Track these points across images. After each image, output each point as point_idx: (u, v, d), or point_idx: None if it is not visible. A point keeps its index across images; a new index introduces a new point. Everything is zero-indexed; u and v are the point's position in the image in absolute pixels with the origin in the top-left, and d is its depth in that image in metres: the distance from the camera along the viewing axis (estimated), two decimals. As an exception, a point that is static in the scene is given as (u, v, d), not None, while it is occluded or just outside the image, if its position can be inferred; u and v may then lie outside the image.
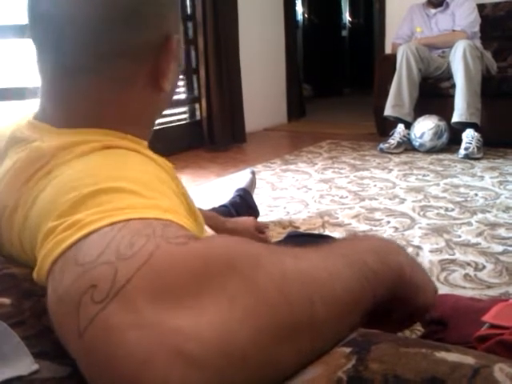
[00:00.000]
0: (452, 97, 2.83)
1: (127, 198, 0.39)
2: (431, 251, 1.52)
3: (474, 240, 1.59)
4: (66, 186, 0.41)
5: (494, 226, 1.71)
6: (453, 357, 0.33)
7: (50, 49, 0.50)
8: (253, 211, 1.78)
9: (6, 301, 0.41)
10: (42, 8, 0.49)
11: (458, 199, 2.03)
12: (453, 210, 1.90)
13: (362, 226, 1.77)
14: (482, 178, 2.35)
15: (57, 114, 0.52)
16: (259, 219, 1.83)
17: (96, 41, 0.49)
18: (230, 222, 1.23)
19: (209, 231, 0.70)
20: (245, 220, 1.32)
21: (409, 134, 2.97)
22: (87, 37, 0.49)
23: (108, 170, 0.43)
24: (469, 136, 2.77)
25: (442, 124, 2.87)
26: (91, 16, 0.48)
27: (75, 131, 0.49)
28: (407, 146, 3.00)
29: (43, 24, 0.50)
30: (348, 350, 0.35)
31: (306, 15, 6.52)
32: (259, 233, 1.37)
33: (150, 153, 0.50)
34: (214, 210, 1.60)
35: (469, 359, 0.32)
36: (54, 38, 0.49)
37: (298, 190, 2.27)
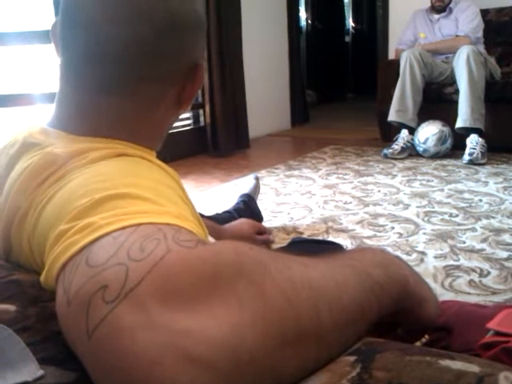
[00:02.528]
0: (456, 102, 2.83)
1: (139, 203, 0.39)
2: (436, 257, 1.52)
3: (478, 246, 1.59)
4: (78, 192, 0.41)
5: (498, 231, 1.70)
6: (457, 365, 0.33)
7: (89, 61, 0.51)
8: (256, 217, 1.78)
9: (11, 307, 0.41)
10: (84, 17, 0.50)
11: (463, 205, 2.03)
12: (457, 215, 1.90)
13: (366, 232, 1.76)
14: (486, 183, 2.34)
15: (75, 121, 0.53)
16: (263, 225, 1.83)
17: (134, 62, 0.51)
18: (226, 231, 1.23)
19: (211, 239, 0.70)
20: (241, 226, 1.32)
21: (413, 139, 2.97)
22: (127, 58, 0.50)
23: (120, 177, 0.43)
24: (473, 141, 2.76)
25: (446, 129, 2.87)
26: (133, 38, 0.50)
27: (89, 139, 0.50)
28: (411, 151, 3.00)
29: (86, 36, 0.51)
30: (353, 358, 0.35)
31: (309, 21, 6.53)
32: (258, 234, 1.37)
33: (159, 162, 0.51)
34: (217, 215, 1.60)
35: (473, 367, 0.32)
36: (96, 52, 0.51)
37: (302, 196, 2.27)
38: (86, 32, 0.50)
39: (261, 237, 1.43)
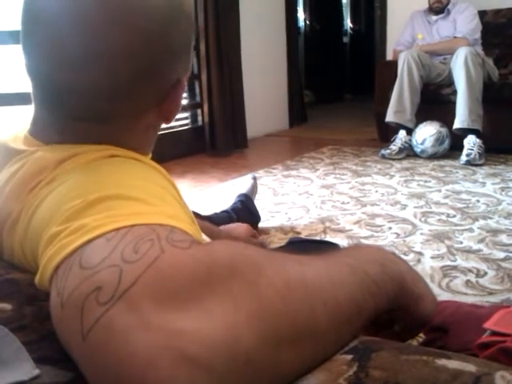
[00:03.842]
0: (453, 103, 2.84)
1: (132, 204, 0.39)
2: (433, 257, 1.52)
3: (475, 246, 1.59)
4: (71, 193, 0.41)
5: (495, 232, 1.71)
6: (454, 364, 0.33)
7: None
8: (254, 217, 1.78)
9: (7, 306, 0.41)
10: (47, 73, 0.47)
11: (460, 205, 2.03)
12: (454, 216, 1.90)
13: (363, 232, 1.76)
14: (483, 184, 2.35)
15: (56, 137, 0.50)
16: (260, 225, 1.83)
17: (99, 104, 0.48)
18: (223, 233, 1.23)
19: (206, 239, 0.70)
20: (238, 229, 1.32)
21: (410, 140, 2.98)
22: (92, 101, 0.48)
23: (113, 178, 0.43)
24: (470, 142, 2.77)
25: (444, 130, 2.88)
26: (96, 86, 0.47)
27: (77, 145, 0.48)
28: (409, 152, 3.00)
29: (46, 85, 0.48)
30: (349, 357, 0.35)
31: (307, 22, 6.53)
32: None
33: (152, 162, 0.50)
34: (215, 215, 1.60)
35: (470, 367, 0.32)
36: (59, 98, 0.48)
37: (300, 196, 2.27)
38: (53, 74, 0.47)
39: (255, 240, 1.44)
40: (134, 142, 0.53)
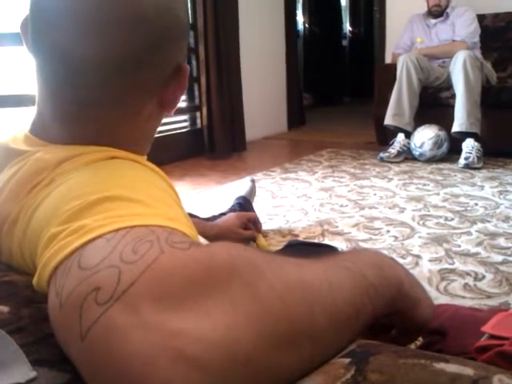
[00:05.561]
0: (452, 106, 2.84)
1: (131, 206, 0.39)
2: (431, 260, 1.52)
3: (473, 250, 1.59)
4: (70, 194, 0.41)
5: (493, 235, 1.71)
6: (452, 368, 0.33)
7: (68, 74, 0.49)
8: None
9: (4, 308, 0.41)
10: (58, 44, 0.47)
11: (458, 209, 2.03)
12: (452, 219, 1.90)
13: (361, 235, 1.76)
14: (481, 187, 2.35)
15: (58, 132, 0.51)
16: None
17: (110, 80, 0.49)
18: (214, 228, 1.24)
19: (202, 240, 0.70)
20: (227, 222, 1.33)
21: (409, 143, 2.98)
22: (102, 76, 0.48)
23: (112, 179, 0.43)
24: (469, 146, 2.78)
25: (442, 133, 2.88)
26: (108, 57, 0.47)
27: (76, 146, 0.49)
28: (407, 155, 3.01)
29: (58, 60, 0.48)
30: (347, 360, 0.35)
31: (306, 25, 6.55)
32: (245, 227, 1.38)
33: (151, 164, 0.50)
34: (213, 217, 1.60)
35: (468, 370, 0.32)
36: (69, 75, 0.48)
37: (298, 199, 2.27)
38: (64, 43, 0.47)
39: (247, 232, 1.46)
40: (135, 134, 0.54)
